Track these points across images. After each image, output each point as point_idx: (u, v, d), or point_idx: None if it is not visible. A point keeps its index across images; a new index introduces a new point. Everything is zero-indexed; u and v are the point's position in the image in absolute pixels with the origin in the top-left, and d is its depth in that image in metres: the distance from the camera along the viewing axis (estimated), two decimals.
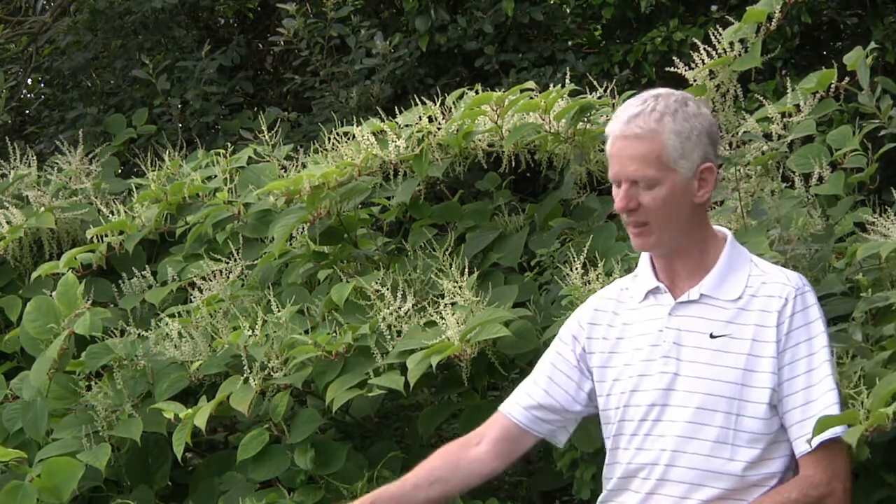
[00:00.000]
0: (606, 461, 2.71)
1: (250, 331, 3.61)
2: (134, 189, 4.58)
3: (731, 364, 2.54)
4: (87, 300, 3.93)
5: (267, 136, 4.51)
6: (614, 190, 2.62)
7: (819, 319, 2.59)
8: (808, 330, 2.57)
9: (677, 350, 2.59)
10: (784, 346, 2.55)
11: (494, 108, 3.79)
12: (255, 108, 6.44)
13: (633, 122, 2.57)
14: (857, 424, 2.51)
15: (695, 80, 3.46)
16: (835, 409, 2.51)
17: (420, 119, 3.94)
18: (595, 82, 4.01)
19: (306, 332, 3.70)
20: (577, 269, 3.51)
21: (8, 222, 4.47)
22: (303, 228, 4.05)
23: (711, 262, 2.62)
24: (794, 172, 3.59)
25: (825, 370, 2.55)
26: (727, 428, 2.54)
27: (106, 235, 4.33)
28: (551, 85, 3.95)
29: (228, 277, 4.03)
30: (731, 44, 3.45)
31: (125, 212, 4.38)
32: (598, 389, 2.71)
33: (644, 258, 2.71)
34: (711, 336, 2.57)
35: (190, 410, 3.57)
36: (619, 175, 2.59)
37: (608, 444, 2.70)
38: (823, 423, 2.46)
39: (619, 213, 2.63)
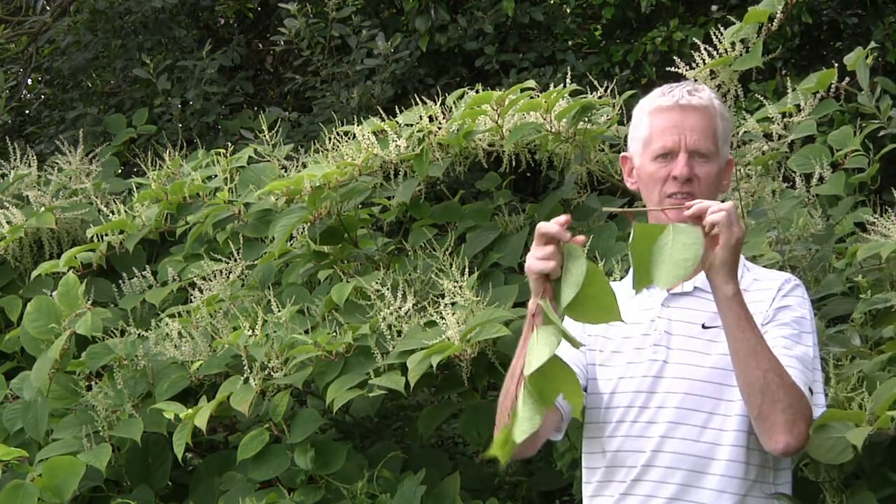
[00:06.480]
0: (587, 450, 2.66)
1: (250, 331, 3.61)
2: (134, 189, 4.57)
3: (721, 352, 2.52)
4: (88, 300, 3.93)
5: (267, 136, 4.50)
6: (653, 165, 2.58)
7: (808, 312, 2.56)
8: (795, 311, 2.54)
9: (668, 339, 2.59)
10: (769, 320, 2.53)
11: (495, 108, 3.78)
12: (256, 108, 6.44)
13: (695, 95, 2.57)
14: (862, 425, 2.50)
15: (695, 80, 3.46)
16: (802, 379, 2.44)
17: (420, 119, 3.94)
18: (595, 82, 4.00)
19: (306, 332, 3.69)
20: None
21: (8, 222, 4.46)
22: (303, 228, 4.05)
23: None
24: (794, 172, 3.59)
25: (806, 351, 2.50)
26: (715, 414, 2.51)
27: (106, 235, 4.32)
28: (552, 85, 3.95)
29: (229, 277, 4.02)
30: (732, 44, 3.45)
31: (125, 211, 4.37)
32: (588, 374, 2.68)
33: None
34: (703, 327, 2.56)
35: (190, 411, 3.57)
36: (678, 145, 2.55)
37: (590, 431, 2.65)
38: (827, 418, 2.45)
39: (668, 181, 2.54)
